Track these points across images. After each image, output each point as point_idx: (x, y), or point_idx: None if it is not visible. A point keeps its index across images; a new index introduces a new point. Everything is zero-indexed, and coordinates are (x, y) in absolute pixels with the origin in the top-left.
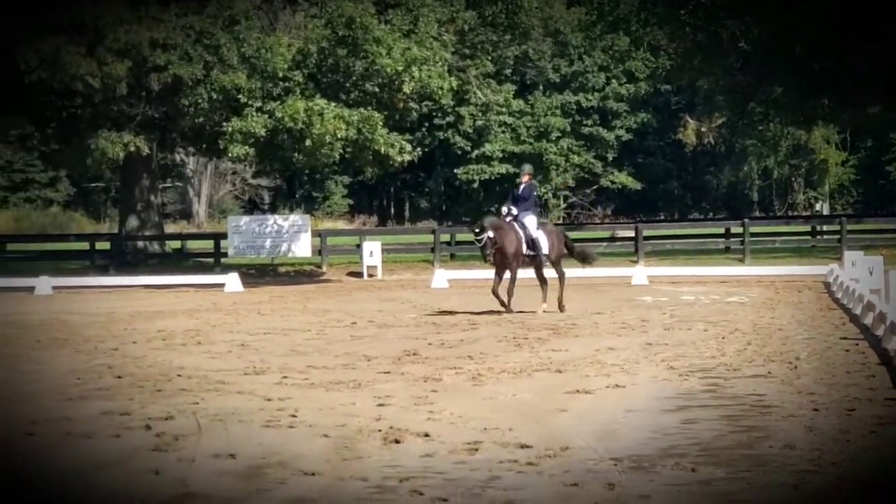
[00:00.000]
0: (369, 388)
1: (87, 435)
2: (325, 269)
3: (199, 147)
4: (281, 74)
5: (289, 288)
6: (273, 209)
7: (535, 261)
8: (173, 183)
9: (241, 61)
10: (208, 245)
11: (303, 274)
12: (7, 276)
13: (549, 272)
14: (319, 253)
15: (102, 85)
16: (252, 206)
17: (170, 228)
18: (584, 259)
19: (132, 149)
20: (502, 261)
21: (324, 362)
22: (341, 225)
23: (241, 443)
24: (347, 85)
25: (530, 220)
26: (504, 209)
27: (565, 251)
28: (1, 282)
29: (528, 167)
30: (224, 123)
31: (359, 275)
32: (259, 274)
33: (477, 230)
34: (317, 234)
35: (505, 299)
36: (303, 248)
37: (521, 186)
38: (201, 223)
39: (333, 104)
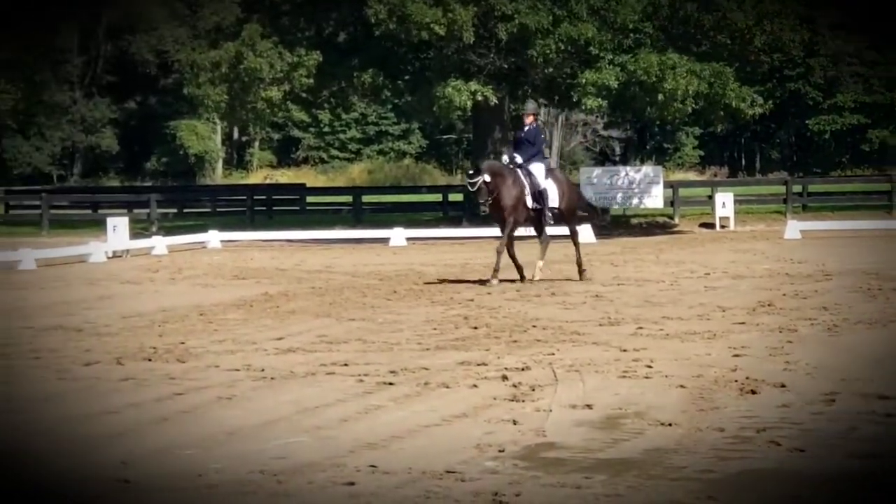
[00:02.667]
0: (724, 339)
1: (444, 385)
2: (677, 220)
3: (550, 98)
4: (631, 26)
5: (641, 239)
6: (624, 161)
7: (541, 215)
8: None
9: (591, 13)
10: None
11: (655, 225)
12: (362, 228)
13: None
14: (671, 204)
15: (448, 33)
16: (603, 158)
17: None
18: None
19: (479, 98)
20: (499, 214)
21: (678, 313)
22: (692, 176)
23: (598, 393)
24: (699, 37)
25: (537, 168)
26: (505, 157)
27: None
28: (357, 233)
29: (531, 105)
30: (576, 75)
31: (711, 226)
32: (611, 225)
33: (471, 172)
34: (668, 185)
35: (519, 262)
36: (655, 199)
37: (525, 128)
38: None
39: (685, 58)
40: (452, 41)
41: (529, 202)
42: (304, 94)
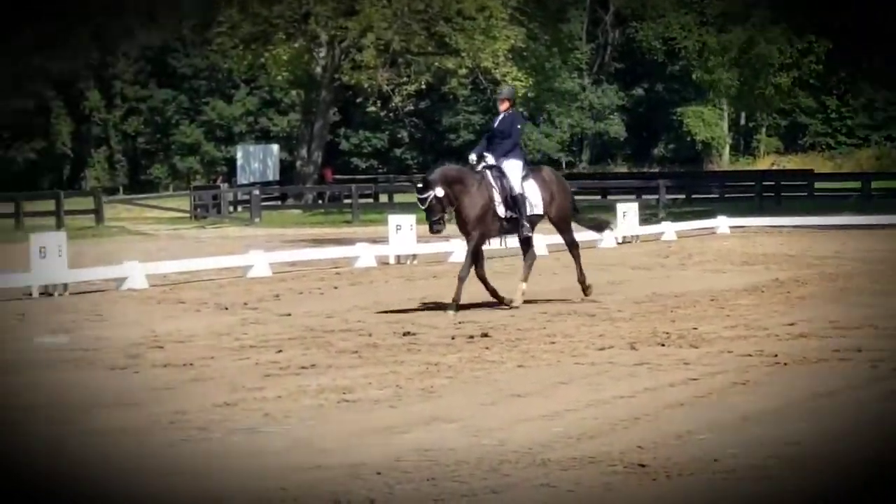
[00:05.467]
0: None
1: None
2: None
3: None
4: None
5: None
6: None
7: (518, 226)
8: None
9: None
10: None
11: None
12: (871, 214)
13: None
14: None
15: None
16: None
17: None
18: (598, 227)
19: None
20: (462, 228)
21: None
22: None
23: None
24: None
25: (512, 167)
26: (472, 156)
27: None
28: (866, 219)
29: (507, 90)
30: None
31: None
32: None
33: (420, 185)
34: None
35: (492, 285)
36: None
37: (500, 117)
38: None
39: None
40: None
41: (501, 211)
42: (811, 81)
